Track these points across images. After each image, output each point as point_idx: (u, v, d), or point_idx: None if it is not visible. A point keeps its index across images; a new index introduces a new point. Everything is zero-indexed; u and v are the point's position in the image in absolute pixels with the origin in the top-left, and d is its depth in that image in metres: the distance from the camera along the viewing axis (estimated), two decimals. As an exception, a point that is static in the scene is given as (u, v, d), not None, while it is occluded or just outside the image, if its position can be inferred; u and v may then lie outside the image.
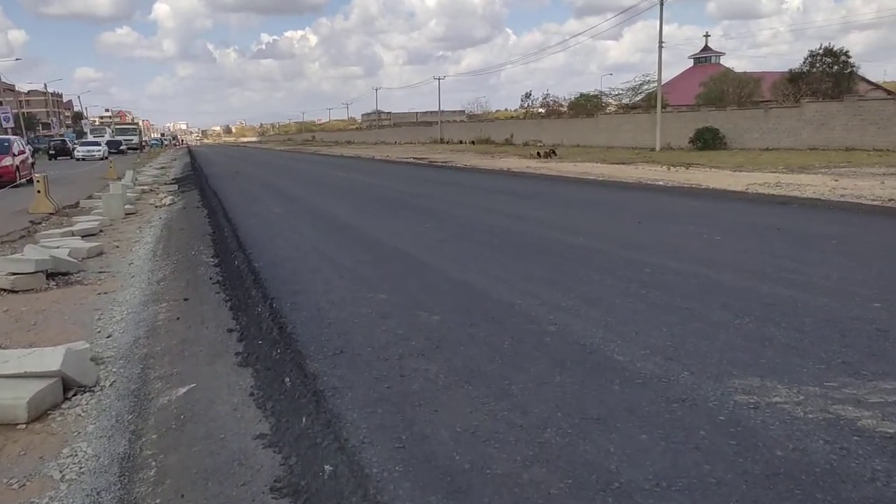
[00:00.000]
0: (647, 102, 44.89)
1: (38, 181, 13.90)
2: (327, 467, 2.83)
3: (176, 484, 2.96)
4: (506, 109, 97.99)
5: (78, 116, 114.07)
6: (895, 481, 2.60)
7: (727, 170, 20.64)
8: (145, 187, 21.07)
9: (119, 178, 22.80)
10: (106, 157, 45.59)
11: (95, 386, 4.37)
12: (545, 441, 2.97)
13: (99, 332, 5.52)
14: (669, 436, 2.98)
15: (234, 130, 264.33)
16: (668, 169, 21.97)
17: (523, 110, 66.20)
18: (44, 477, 3.17)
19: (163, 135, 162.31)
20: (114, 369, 4.65)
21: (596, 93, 53.91)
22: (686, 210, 11.77)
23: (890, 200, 11.86)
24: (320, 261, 7.60)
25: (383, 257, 7.76)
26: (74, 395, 4.22)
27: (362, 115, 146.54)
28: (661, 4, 34.92)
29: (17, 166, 22.59)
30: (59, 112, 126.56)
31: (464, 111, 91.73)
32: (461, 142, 60.49)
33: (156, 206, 15.62)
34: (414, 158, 36.18)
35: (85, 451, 3.49)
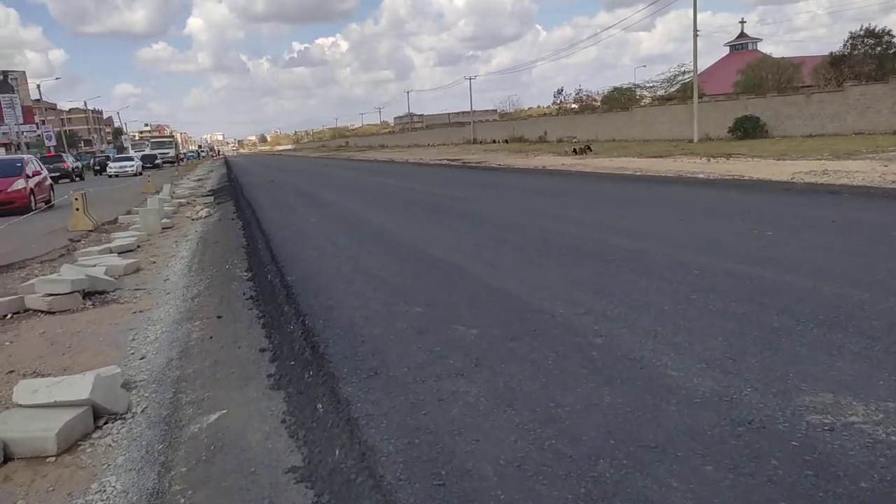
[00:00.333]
0: (682, 93, 43.99)
1: (76, 199, 14.07)
2: (362, 508, 2.62)
3: (203, 526, 2.79)
4: (538, 106, 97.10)
5: (118, 132, 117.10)
6: None
7: (770, 159, 19.95)
8: (182, 200, 21.29)
9: (157, 192, 23.14)
10: (140, 173, 44.82)
11: (127, 413, 4.25)
12: (598, 475, 2.70)
13: (133, 353, 5.43)
14: (738, 466, 2.69)
15: (269, 139, 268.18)
16: (708, 160, 21.36)
17: (556, 107, 65.38)
18: (70, 516, 3.03)
19: (200, 147, 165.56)
20: (146, 394, 4.53)
21: (630, 86, 53.06)
22: (731, 204, 11.29)
23: (950, 185, 11.21)
24: (354, 272, 7.42)
25: (418, 266, 7.55)
26: (105, 423, 4.10)
27: (395, 118, 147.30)
28: (695, -8, 34.07)
29: (32, 190, 19.47)
30: (100, 128, 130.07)
31: (496, 110, 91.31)
32: (494, 141, 60.13)
33: (192, 219, 15.72)
34: (447, 160, 36.01)
35: (114, 486, 3.35)
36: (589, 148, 33.20)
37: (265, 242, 10.18)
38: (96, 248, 11.05)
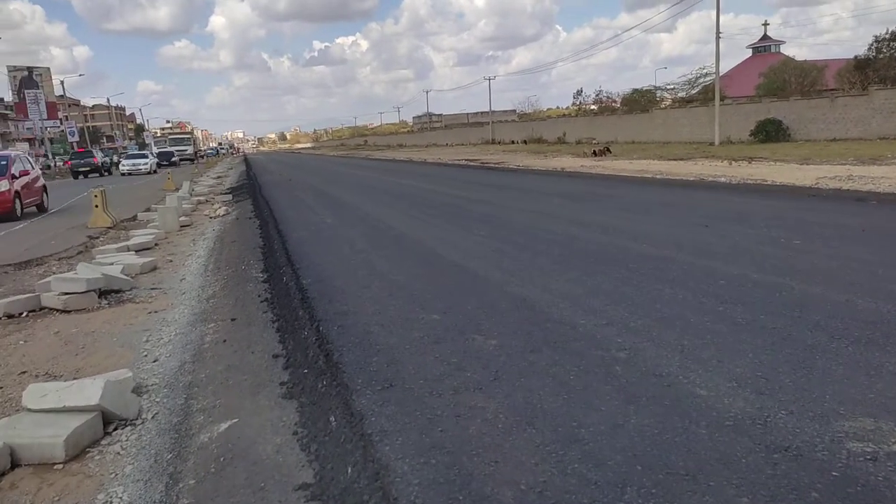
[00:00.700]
0: (703, 95, 43.42)
1: (95, 196, 14.12)
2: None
3: (210, 546, 2.67)
4: (557, 107, 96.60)
5: (140, 129, 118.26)
6: None
7: (793, 163, 19.58)
8: (201, 198, 21.34)
9: (177, 189, 23.23)
10: (154, 172, 42.76)
11: (137, 418, 4.17)
12: (626, 505, 2.55)
13: (146, 355, 5.36)
14: (776, 498, 2.52)
15: (288, 137, 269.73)
16: (730, 164, 21.02)
17: (575, 108, 64.86)
18: (74, 531, 2.94)
19: (220, 144, 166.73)
20: (157, 399, 4.45)
21: (650, 87, 52.51)
22: (755, 209, 11.03)
23: (985, 194, 10.87)
24: (370, 276, 7.30)
25: (436, 270, 7.42)
26: (115, 429, 4.02)
27: (413, 117, 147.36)
28: (719, -7, 33.60)
29: (18, 192, 16.56)
30: (123, 125, 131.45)
31: (515, 110, 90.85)
32: (513, 141, 59.84)
33: (210, 217, 15.71)
34: (465, 160, 35.85)
35: (120, 498, 3.26)
36: (608, 150, 32.87)
37: (281, 243, 10.10)
38: (114, 245, 11.05)
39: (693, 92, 47.49)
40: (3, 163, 16.53)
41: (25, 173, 17.70)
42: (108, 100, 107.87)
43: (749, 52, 58.18)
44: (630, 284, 6.05)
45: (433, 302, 5.90)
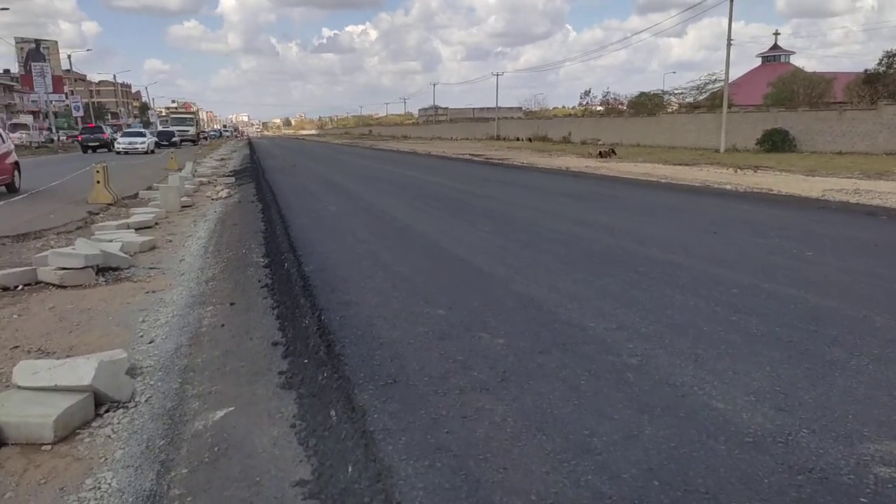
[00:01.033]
0: (711, 101, 43.26)
1: (97, 171, 13.94)
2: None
3: (201, 543, 2.54)
4: (563, 107, 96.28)
5: (145, 107, 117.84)
6: None
7: (798, 174, 19.45)
8: (203, 179, 21.16)
9: (180, 169, 23.04)
10: (152, 152, 40.88)
11: (130, 401, 4.03)
12: (643, 522, 2.42)
13: (142, 336, 5.21)
14: (802, 524, 2.39)
15: (293, 123, 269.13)
16: (735, 171, 20.90)
17: (582, 108, 64.74)
18: (59, 516, 2.80)
19: (224, 126, 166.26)
20: (151, 382, 4.31)
21: (658, 91, 52.32)
22: (763, 218, 10.89)
23: None
24: (374, 267, 7.16)
25: (442, 265, 7.28)
26: (107, 411, 3.88)
27: (419, 109, 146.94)
28: (731, 0, 33.37)
29: None
30: (128, 102, 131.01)
31: (521, 108, 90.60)
32: (518, 139, 59.63)
33: (212, 199, 15.55)
34: (470, 155, 35.66)
35: (109, 484, 3.12)
36: (613, 151, 32.72)
37: (284, 228, 9.95)
38: (114, 222, 10.90)
39: (701, 98, 47.33)
40: None
41: None
42: (114, 76, 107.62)
43: (758, 61, 58.01)
44: (639, 288, 5.91)
45: (438, 296, 5.76)
